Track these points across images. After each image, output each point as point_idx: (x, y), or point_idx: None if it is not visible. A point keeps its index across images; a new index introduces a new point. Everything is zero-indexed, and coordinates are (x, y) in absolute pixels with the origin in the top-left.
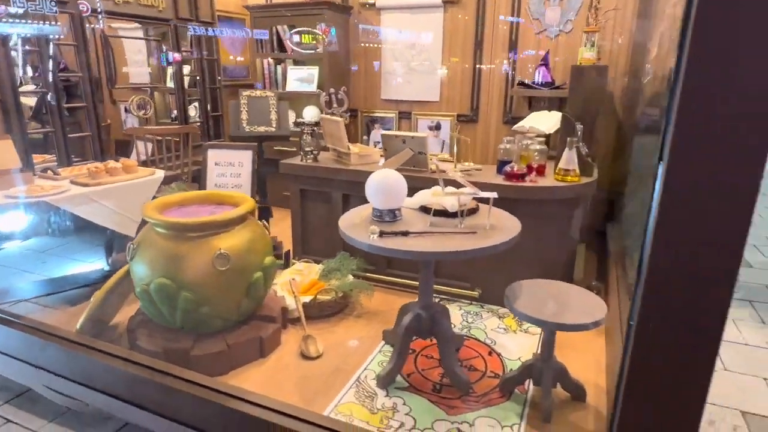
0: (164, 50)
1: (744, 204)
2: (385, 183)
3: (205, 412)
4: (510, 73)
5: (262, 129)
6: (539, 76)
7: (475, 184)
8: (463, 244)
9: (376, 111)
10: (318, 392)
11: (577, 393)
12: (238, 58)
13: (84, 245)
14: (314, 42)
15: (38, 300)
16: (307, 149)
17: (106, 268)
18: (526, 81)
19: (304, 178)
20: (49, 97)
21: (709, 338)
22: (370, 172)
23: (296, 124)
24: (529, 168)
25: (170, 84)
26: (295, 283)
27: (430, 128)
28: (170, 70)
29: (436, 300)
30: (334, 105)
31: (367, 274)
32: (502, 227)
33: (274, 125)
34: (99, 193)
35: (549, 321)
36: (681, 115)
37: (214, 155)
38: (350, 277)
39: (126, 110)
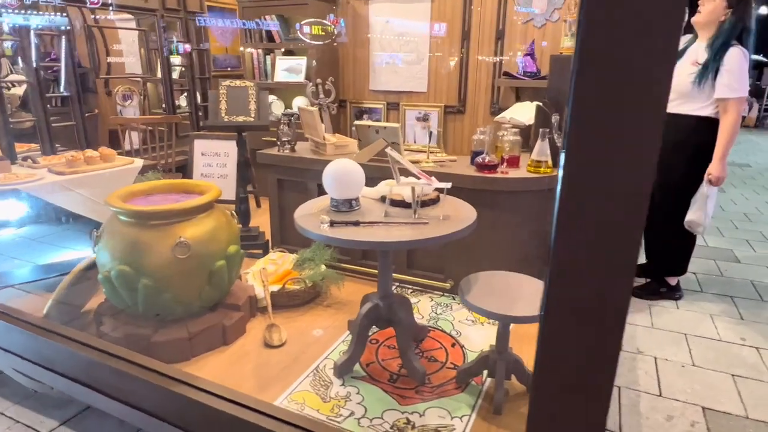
0: (174, 41)
1: (636, 196)
2: (340, 173)
3: (156, 397)
4: (497, 63)
5: (240, 119)
6: (523, 66)
7: (446, 175)
8: (407, 234)
9: (365, 102)
10: (274, 380)
11: (525, 380)
12: (229, 48)
13: (77, 233)
14: (323, 33)
15: (23, 286)
16: (284, 139)
17: (93, 255)
18: (511, 72)
19: (280, 168)
20: (27, 87)
21: (610, 329)
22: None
23: (285, 114)
24: (503, 159)
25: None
26: (266, 273)
27: (418, 119)
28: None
29: (409, 291)
30: (321, 95)
31: (342, 265)
32: (457, 218)
33: (252, 115)
34: (74, 182)
35: (499, 313)
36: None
37: (200, 145)
38: (323, 267)
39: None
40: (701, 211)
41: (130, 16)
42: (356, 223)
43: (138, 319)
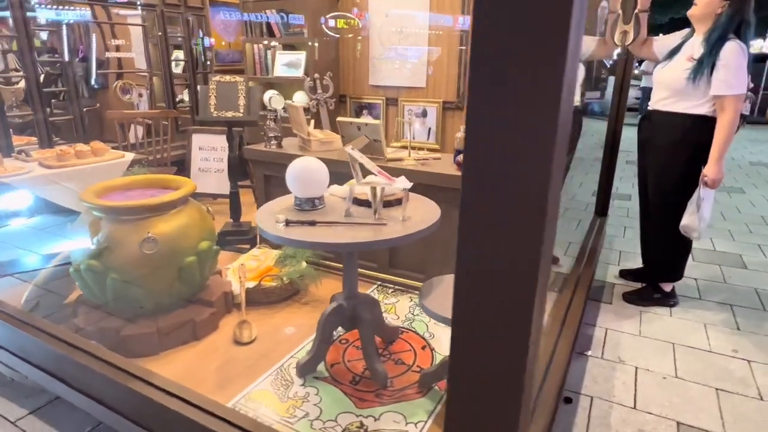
0: (201, 35)
1: (535, 203)
2: (302, 171)
3: (113, 391)
4: None
5: (229, 114)
6: None
7: (423, 174)
8: (362, 235)
9: (365, 97)
10: (237, 377)
11: None
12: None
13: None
14: (347, 27)
15: (21, 276)
16: (270, 135)
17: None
18: None
19: (267, 164)
20: (23, 82)
21: (516, 336)
22: (329, 160)
23: (270, 110)
24: None
25: (176, 70)
26: (244, 269)
27: (417, 115)
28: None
29: (390, 290)
30: (319, 90)
31: (326, 262)
32: (419, 218)
33: (241, 110)
34: (61, 175)
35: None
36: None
37: (198, 140)
38: (304, 265)
39: (139, 95)
40: (695, 215)
41: (136, 12)
42: (312, 223)
43: (108, 312)
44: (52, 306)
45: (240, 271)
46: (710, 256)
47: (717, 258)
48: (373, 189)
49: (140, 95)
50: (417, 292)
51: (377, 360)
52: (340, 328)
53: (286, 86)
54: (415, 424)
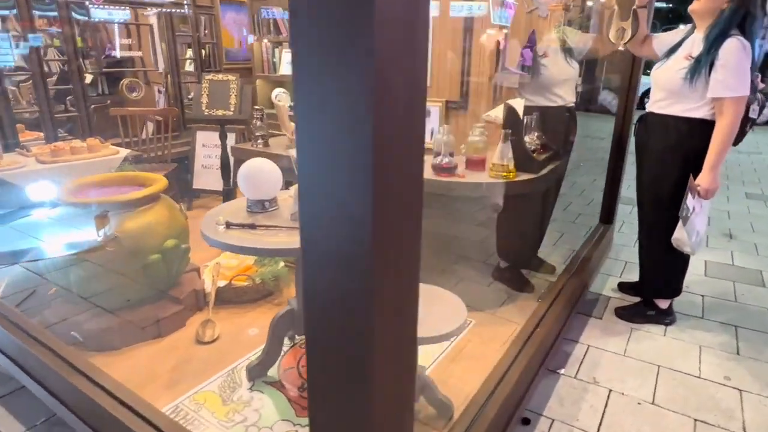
0: (245, 33)
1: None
2: (251, 172)
3: (60, 383)
4: (500, 56)
5: (220, 112)
6: (521, 60)
7: None
8: (294, 240)
9: None
10: (189, 377)
11: (442, 410)
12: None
13: None
14: None
15: (27, 264)
16: (257, 134)
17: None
18: (509, 67)
19: None
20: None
21: (356, 349)
22: None
23: (256, 109)
24: (471, 161)
25: (189, 68)
26: (219, 267)
27: None
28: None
29: None
30: None
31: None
32: None
33: (232, 109)
34: (54, 171)
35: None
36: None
37: (201, 137)
38: (281, 265)
39: (159, 92)
40: (683, 229)
41: (149, 11)
42: (252, 226)
43: (78, 304)
44: (39, 296)
45: (214, 269)
46: (726, 271)
47: (733, 273)
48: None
49: (159, 92)
50: None
51: None
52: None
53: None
54: None
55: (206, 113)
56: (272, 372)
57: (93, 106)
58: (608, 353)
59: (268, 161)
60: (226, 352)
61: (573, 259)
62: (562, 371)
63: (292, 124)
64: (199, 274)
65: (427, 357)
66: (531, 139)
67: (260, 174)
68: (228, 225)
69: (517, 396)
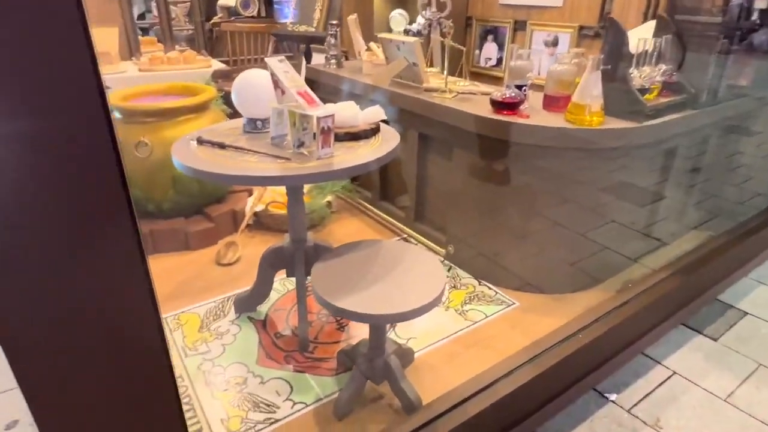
0: None
1: None
2: (242, 86)
3: None
4: None
5: (302, 28)
6: None
7: (450, 111)
8: (256, 167)
9: (492, 19)
10: (187, 295)
11: (406, 405)
12: None
13: None
14: None
15: None
16: (331, 53)
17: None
18: None
19: (323, 85)
20: None
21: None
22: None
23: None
24: (548, 98)
25: None
26: (262, 191)
27: (546, 44)
28: None
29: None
30: (433, 9)
31: (360, 201)
32: (344, 161)
33: (315, 25)
34: (147, 78)
35: (367, 313)
36: None
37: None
38: (328, 198)
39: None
40: None
41: None
42: (222, 146)
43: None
44: None
45: (259, 193)
46: None
47: None
48: (292, 115)
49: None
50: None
51: (305, 317)
52: None
53: (414, 5)
54: (295, 403)
55: (290, 28)
56: (265, 308)
57: (213, 22)
58: (700, 391)
59: (261, 73)
60: (237, 278)
61: (697, 248)
62: (614, 397)
63: (371, 45)
64: (250, 194)
65: (426, 337)
66: (647, 72)
67: (250, 88)
68: (200, 141)
69: (515, 413)
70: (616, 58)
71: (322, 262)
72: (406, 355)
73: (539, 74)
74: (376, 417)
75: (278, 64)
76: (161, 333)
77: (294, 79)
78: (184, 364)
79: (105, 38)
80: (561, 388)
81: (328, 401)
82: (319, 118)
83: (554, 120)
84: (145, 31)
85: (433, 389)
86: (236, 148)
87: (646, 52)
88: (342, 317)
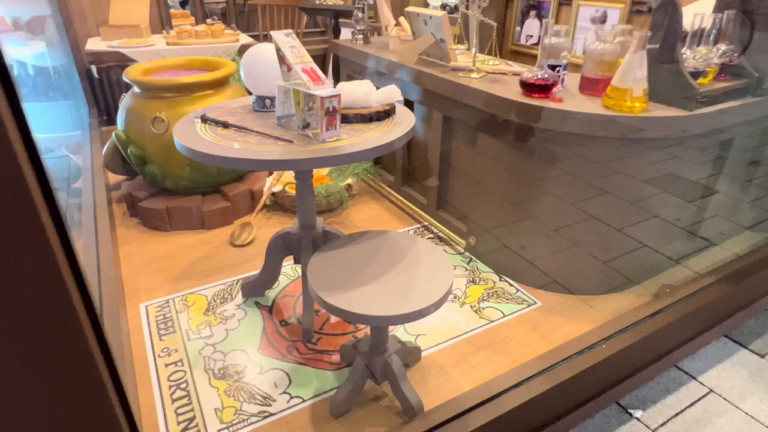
0: None
1: None
2: (251, 60)
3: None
4: None
5: (330, 2)
6: None
7: (478, 93)
8: (252, 150)
9: None
10: (197, 275)
11: (406, 408)
12: None
13: None
14: None
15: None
16: (358, 28)
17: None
18: None
19: (348, 62)
20: None
21: None
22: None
23: (443, 6)
24: (586, 80)
25: None
26: (282, 171)
27: (593, 20)
28: None
29: (427, 237)
30: None
31: (382, 185)
32: (348, 144)
33: None
34: (171, 52)
35: (368, 314)
36: None
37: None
38: (349, 180)
39: None
40: None
41: None
42: (225, 125)
43: (140, 180)
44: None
45: (276, 172)
46: None
47: None
48: (297, 94)
49: None
50: (451, 246)
51: (310, 310)
52: None
53: None
54: (293, 397)
55: (317, 1)
56: (273, 293)
57: None
58: (739, 414)
59: (266, 50)
60: (250, 260)
61: (750, 251)
62: (639, 414)
63: (400, 20)
64: (270, 174)
65: (436, 335)
66: (702, 53)
67: (259, 64)
68: (203, 119)
69: (522, 427)
70: (666, 35)
71: (321, 253)
72: (411, 354)
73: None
74: (375, 418)
75: (284, 38)
76: (99, 337)
77: (300, 55)
78: (186, 348)
79: (135, 10)
80: (578, 400)
81: (326, 397)
82: (322, 98)
83: (590, 105)
84: (183, 4)
85: (439, 392)
86: (238, 127)
87: (703, 30)
88: (334, 315)
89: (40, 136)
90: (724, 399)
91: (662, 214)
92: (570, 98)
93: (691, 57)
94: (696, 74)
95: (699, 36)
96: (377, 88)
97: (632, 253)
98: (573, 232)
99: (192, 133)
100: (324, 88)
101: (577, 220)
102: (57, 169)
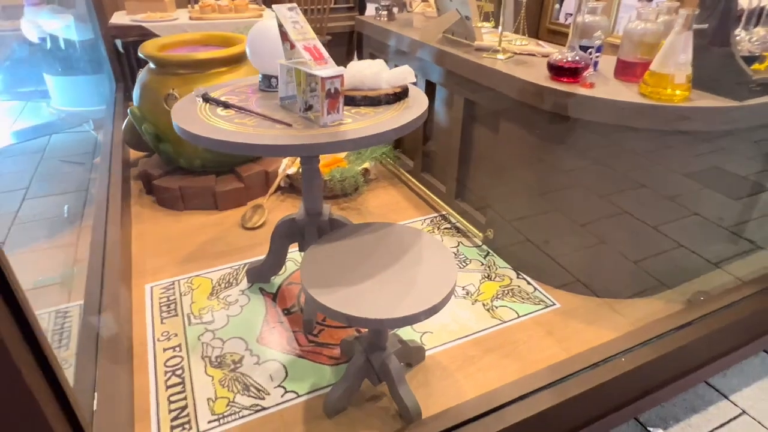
0: None
1: None
2: (254, 37)
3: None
4: None
5: None
6: None
7: (500, 76)
8: (249, 134)
9: None
10: (205, 257)
11: (403, 412)
12: None
13: None
14: None
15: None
16: (383, 3)
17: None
18: None
19: (371, 39)
20: None
21: None
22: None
23: None
24: (623, 63)
25: None
26: None
27: None
28: None
29: (443, 226)
30: None
31: (400, 171)
32: (351, 129)
33: None
34: (193, 26)
35: (368, 317)
36: None
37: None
38: (365, 164)
39: None
40: None
41: None
42: (225, 105)
43: (156, 159)
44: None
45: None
46: None
47: None
48: (299, 74)
49: None
50: (468, 238)
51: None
52: None
53: None
54: (286, 390)
55: None
56: (279, 279)
57: None
58: None
59: (269, 26)
60: (258, 243)
61: None
62: None
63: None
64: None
65: (443, 333)
66: (760, 35)
67: (264, 41)
68: (205, 98)
69: None
70: (717, 14)
71: (318, 246)
72: (414, 353)
73: None
74: (370, 420)
75: (287, 12)
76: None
77: (303, 31)
78: (186, 333)
79: None
80: (592, 414)
81: (321, 394)
82: (323, 79)
83: (625, 92)
84: None
85: (441, 396)
86: (238, 108)
87: (763, 8)
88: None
89: (68, 108)
90: (759, 423)
91: (703, 211)
92: (602, 83)
93: (746, 39)
94: (750, 59)
95: (757, 15)
96: (396, 65)
97: (666, 254)
98: (602, 227)
99: (190, 113)
100: (326, 67)
101: (607, 215)
102: (82, 144)
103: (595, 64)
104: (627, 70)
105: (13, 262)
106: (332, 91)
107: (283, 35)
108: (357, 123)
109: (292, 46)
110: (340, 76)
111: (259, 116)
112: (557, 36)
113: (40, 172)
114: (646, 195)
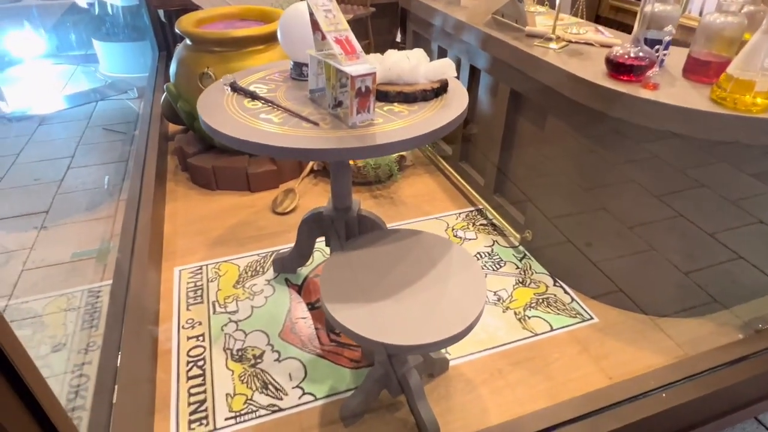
0: None
1: None
2: (286, 22)
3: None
4: None
5: None
6: None
7: (551, 70)
8: (264, 134)
9: None
10: (234, 242)
11: (420, 426)
12: None
13: None
14: None
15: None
16: None
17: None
18: None
19: (415, 18)
20: None
21: None
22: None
23: None
24: (694, 61)
25: None
26: None
27: None
28: None
29: (478, 222)
30: None
31: (438, 159)
32: (380, 131)
33: None
34: None
35: (380, 341)
36: None
37: None
38: (397, 154)
39: None
40: None
41: None
42: (253, 96)
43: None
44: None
45: None
46: None
47: None
48: (328, 68)
49: None
50: (504, 238)
51: None
52: None
53: None
54: (305, 393)
55: None
56: (306, 270)
57: None
58: None
59: (301, 11)
60: (288, 230)
61: None
62: None
63: None
64: None
65: (470, 343)
66: None
67: (297, 27)
68: (233, 87)
69: None
70: None
71: (340, 254)
72: (437, 364)
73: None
74: (386, 430)
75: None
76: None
77: (335, 21)
78: (210, 322)
79: None
80: None
81: (338, 399)
82: (353, 77)
83: (693, 97)
84: None
85: (462, 411)
86: (265, 100)
87: None
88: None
89: (114, 75)
90: None
91: None
92: (668, 84)
93: None
94: None
95: None
96: (439, 47)
97: (723, 266)
98: (652, 231)
99: (217, 102)
100: (358, 62)
101: (660, 218)
102: (125, 112)
103: (661, 61)
104: (698, 69)
105: (54, 232)
106: (363, 89)
107: (314, 24)
108: (388, 124)
109: (323, 37)
110: (372, 74)
111: (287, 112)
112: (621, 14)
113: (85, 140)
114: (706, 196)
